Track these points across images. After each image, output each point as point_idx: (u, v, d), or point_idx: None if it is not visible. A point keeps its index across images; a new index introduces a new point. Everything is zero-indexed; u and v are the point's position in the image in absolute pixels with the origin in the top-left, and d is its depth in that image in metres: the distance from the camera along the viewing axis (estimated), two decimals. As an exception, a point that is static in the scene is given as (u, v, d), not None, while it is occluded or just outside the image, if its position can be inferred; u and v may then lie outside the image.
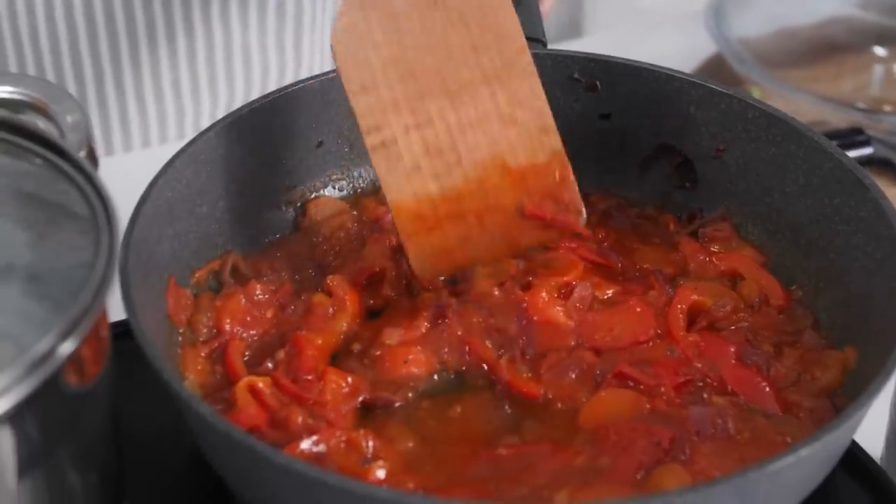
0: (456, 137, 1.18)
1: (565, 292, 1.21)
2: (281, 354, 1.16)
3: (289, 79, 1.78)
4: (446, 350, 1.16)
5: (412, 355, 1.16)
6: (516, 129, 1.19)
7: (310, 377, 1.13)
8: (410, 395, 1.15)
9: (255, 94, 1.76)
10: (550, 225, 1.20)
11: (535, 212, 1.20)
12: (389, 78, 1.17)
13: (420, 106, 1.18)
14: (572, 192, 1.20)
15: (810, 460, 0.99)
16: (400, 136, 1.18)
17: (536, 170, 1.20)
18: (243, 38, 1.71)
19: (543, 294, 1.20)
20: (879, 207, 1.16)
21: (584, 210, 1.21)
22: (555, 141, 1.20)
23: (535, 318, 1.19)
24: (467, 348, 1.17)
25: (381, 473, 1.06)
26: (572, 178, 1.20)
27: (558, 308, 1.19)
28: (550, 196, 1.20)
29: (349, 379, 1.14)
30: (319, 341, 1.17)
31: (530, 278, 1.22)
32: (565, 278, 1.22)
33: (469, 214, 1.19)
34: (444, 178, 1.19)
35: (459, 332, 1.17)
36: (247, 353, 1.18)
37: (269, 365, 1.15)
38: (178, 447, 1.19)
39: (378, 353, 1.16)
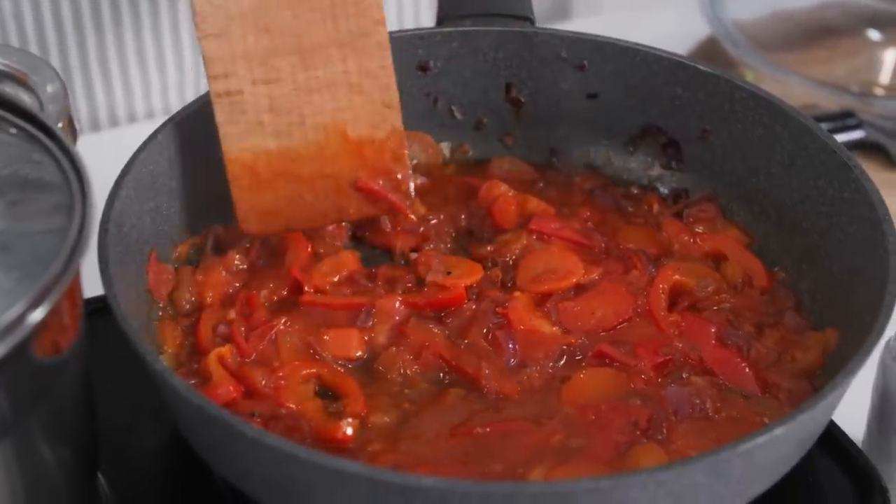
0: (302, 98, 1.19)
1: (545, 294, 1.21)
2: (232, 314, 1.16)
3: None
4: (414, 361, 1.16)
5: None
6: (361, 98, 1.20)
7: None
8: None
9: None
10: (378, 200, 1.22)
11: (367, 185, 1.21)
12: (245, 27, 1.17)
13: (271, 60, 1.18)
14: (404, 171, 1.22)
15: (785, 440, 0.99)
16: (247, 88, 1.18)
17: (374, 143, 1.21)
18: None
19: (523, 303, 1.19)
20: (862, 189, 1.15)
21: (412, 191, 1.23)
22: (396, 118, 1.22)
23: (520, 328, 1.17)
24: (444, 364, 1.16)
25: (349, 430, 1.07)
26: (407, 157, 1.22)
27: (539, 317, 1.18)
28: (384, 171, 1.22)
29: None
30: (265, 292, 1.19)
31: (511, 288, 1.22)
32: (565, 283, 1.21)
33: (303, 177, 1.21)
34: (284, 137, 1.20)
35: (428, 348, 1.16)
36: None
37: (222, 328, 1.15)
38: (156, 423, 1.19)
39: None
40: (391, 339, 1.16)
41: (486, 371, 1.13)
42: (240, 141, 1.19)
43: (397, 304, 1.18)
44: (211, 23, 1.17)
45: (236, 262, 1.22)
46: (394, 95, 1.21)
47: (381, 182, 1.22)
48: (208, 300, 1.19)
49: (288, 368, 1.12)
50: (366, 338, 1.16)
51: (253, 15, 1.17)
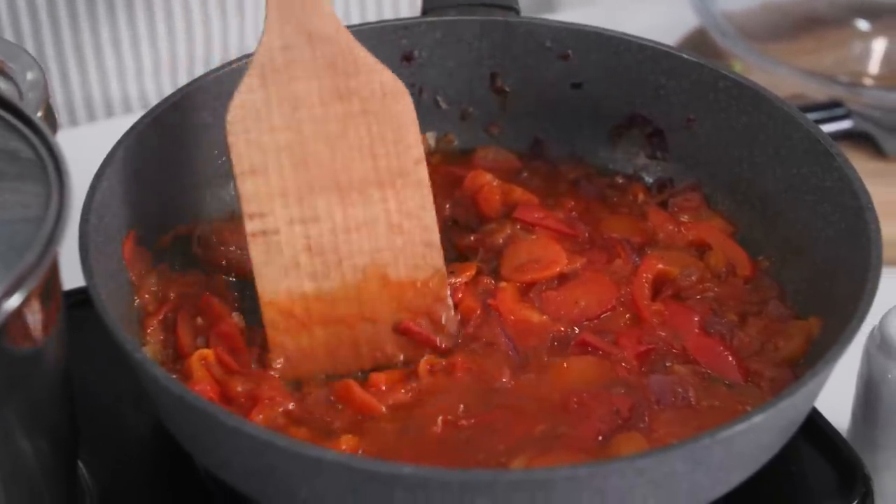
0: (339, 238, 1.14)
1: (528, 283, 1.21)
2: (199, 321, 1.15)
3: (248, 39, 1.76)
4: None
5: None
6: (402, 238, 1.16)
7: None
8: None
9: (216, 53, 1.74)
10: (419, 341, 1.16)
11: (409, 328, 1.16)
12: (281, 164, 1.13)
13: (308, 199, 1.14)
14: (448, 311, 1.17)
15: (765, 428, 0.99)
16: (283, 227, 1.13)
17: (415, 285, 1.16)
18: None
19: (510, 293, 1.19)
20: (845, 177, 1.15)
21: (456, 332, 1.16)
22: (437, 258, 1.17)
23: (510, 318, 1.17)
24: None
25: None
26: (449, 300, 1.17)
27: (527, 306, 1.18)
28: (426, 314, 1.16)
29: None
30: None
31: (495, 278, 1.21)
32: (549, 273, 1.21)
33: (341, 320, 1.15)
34: (321, 279, 1.14)
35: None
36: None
37: (199, 341, 1.14)
38: (139, 415, 1.18)
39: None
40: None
41: (498, 371, 1.13)
42: (276, 283, 1.14)
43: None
44: (246, 161, 1.13)
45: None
46: (434, 235, 1.16)
47: (422, 323, 1.16)
48: (171, 295, 1.18)
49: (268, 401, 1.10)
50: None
51: (289, 150, 1.13)
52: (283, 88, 1.13)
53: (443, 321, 1.17)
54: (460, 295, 1.18)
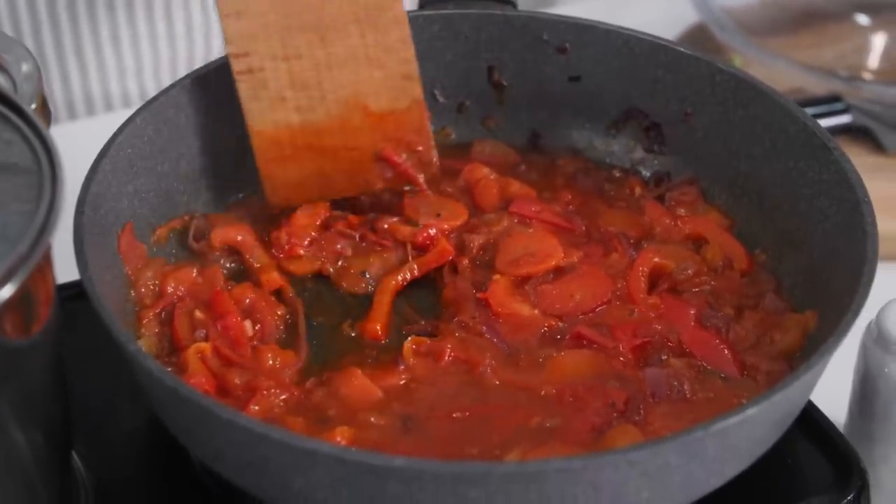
0: (322, 73, 1.20)
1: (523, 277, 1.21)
2: (198, 314, 1.15)
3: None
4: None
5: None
6: (381, 72, 1.21)
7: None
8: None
9: (216, 47, 1.75)
10: (399, 172, 1.23)
11: (389, 156, 1.22)
12: (263, 5, 1.19)
13: (290, 37, 1.19)
14: (427, 142, 1.23)
15: (759, 420, 0.98)
16: (267, 64, 1.19)
17: (396, 115, 1.22)
18: None
19: (503, 286, 1.19)
20: (842, 170, 1.15)
21: (435, 162, 1.24)
22: (416, 89, 1.23)
23: (500, 312, 1.17)
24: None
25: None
26: (429, 127, 1.23)
27: (519, 300, 1.18)
28: (406, 143, 1.23)
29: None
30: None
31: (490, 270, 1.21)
32: (544, 266, 1.20)
33: (327, 150, 1.22)
34: (306, 111, 1.21)
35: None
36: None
37: (201, 333, 1.14)
38: (135, 408, 1.18)
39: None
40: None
41: (488, 362, 1.13)
42: (263, 116, 1.21)
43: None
44: (230, 4, 1.18)
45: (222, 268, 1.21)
46: (413, 67, 1.22)
47: (403, 156, 1.23)
48: (168, 289, 1.17)
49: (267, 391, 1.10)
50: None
51: None
52: None
53: (420, 150, 1.23)
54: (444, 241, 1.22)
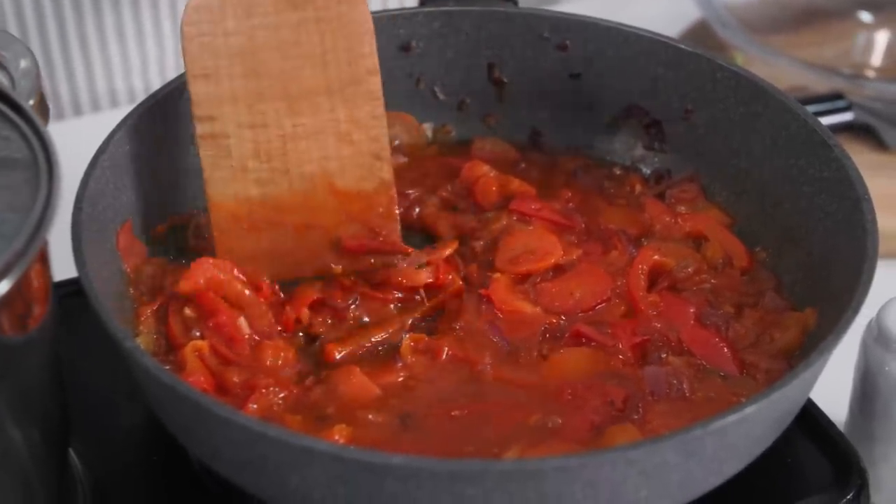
0: (288, 145, 1.16)
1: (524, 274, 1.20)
2: (188, 311, 1.14)
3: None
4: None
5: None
6: (350, 149, 1.17)
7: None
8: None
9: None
10: (368, 254, 1.18)
11: (353, 246, 1.18)
12: (233, 70, 1.15)
13: (258, 105, 1.15)
14: (393, 229, 1.18)
15: (758, 419, 0.98)
16: (232, 131, 1.15)
17: (362, 196, 1.18)
18: None
19: (504, 283, 1.18)
20: (843, 168, 1.15)
21: (401, 249, 1.18)
22: (386, 171, 1.18)
23: (502, 309, 1.17)
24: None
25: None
26: (396, 213, 1.19)
27: (521, 297, 1.18)
28: (370, 226, 1.18)
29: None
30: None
31: (490, 268, 1.21)
32: (544, 264, 1.20)
33: (287, 226, 1.17)
34: (268, 184, 1.16)
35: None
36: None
37: (197, 332, 1.13)
38: (134, 405, 1.18)
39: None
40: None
41: (487, 360, 1.13)
42: (224, 186, 1.16)
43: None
44: (199, 63, 1.14)
45: None
46: (384, 147, 1.18)
47: (367, 237, 1.18)
48: (167, 287, 1.17)
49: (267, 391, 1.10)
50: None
51: (242, 57, 1.14)
52: None
53: (384, 234, 1.19)
54: (439, 271, 1.18)
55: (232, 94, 1.15)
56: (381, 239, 1.18)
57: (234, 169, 1.16)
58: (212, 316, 1.14)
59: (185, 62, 1.14)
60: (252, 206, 1.17)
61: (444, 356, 1.12)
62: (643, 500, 0.97)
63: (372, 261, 1.18)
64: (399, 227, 1.19)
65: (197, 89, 1.15)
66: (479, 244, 1.22)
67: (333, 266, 1.18)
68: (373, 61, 1.16)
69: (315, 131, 1.16)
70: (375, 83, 1.17)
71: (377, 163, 1.18)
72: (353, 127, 1.17)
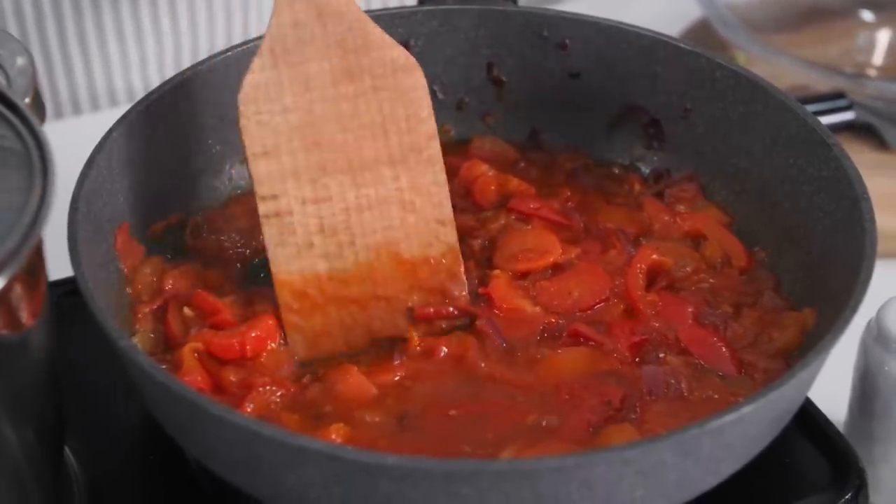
0: (352, 217, 1.14)
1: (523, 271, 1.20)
2: (187, 311, 1.14)
3: (252, 26, 1.75)
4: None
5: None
6: (414, 217, 1.15)
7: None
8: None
9: (219, 43, 1.74)
10: (440, 319, 1.16)
11: (426, 314, 1.16)
12: (293, 145, 1.13)
13: (321, 179, 1.13)
14: (461, 288, 1.17)
15: (755, 419, 0.98)
16: (296, 208, 1.13)
17: (429, 263, 1.16)
18: None
19: (504, 281, 1.18)
20: (841, 167, 1.14)
21: (471, 312, 1.16)
22: (451, 235, 1.17)
23: (502, 307, 1.16)
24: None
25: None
26: (463, 276, 1.17)
27: (521, 295, 1.17)
28: (439, 291, 1.16)
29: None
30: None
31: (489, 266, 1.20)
32: (543, 262, 1.20)
33: (355, 299, 1.15)
34: (334, 259, 1.14)
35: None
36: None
37: (194, 331, 1.13)
38: (130, 406, 1.18)
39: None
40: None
41: (485, 359, 1.12)
42: (289, 264, 1.14)
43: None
44: (259, 143, 1.12)
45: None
46: (447, 212, 1.16)
47: (437, 301, 1.17)
48: (167, 287, 1.17)
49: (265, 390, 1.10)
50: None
51: (301, 131, 1.13)
52: (295, 69, 1.12)
53: (455, 296, 1.17)
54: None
55: (294, 170, 1.13)
56: (451, 304, 1.16)
57: (298, 246, 1.14)
58: (210, 316, 1.14)
59: (243, 140, 1.12)
60: (319, 280, 1.14)
61: (441, 354, 1.12)
62: (639, 500, 0.96)
63: (444, 326, 1.16)
64: (467, 289, 1.18)
65: (258, 168, 1.12)
66: (477, 243, 1.22)
67: (406, 334, 1.15)
68: (431, 126, 1.15)
69: (379, 202, 1.15)
70: (435, 148, 1.16)
71: (441, 228, 1.16)
72: (416, 195, 1.15)
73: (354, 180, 1.14)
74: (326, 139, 1.13)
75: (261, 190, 1.13)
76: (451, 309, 1.16)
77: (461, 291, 1.17)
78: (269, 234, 1.13)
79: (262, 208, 1.13)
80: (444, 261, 1.17)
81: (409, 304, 1.16)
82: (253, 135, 1.12)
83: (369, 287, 1.15)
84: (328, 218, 1.14)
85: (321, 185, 1.14)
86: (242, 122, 1.12)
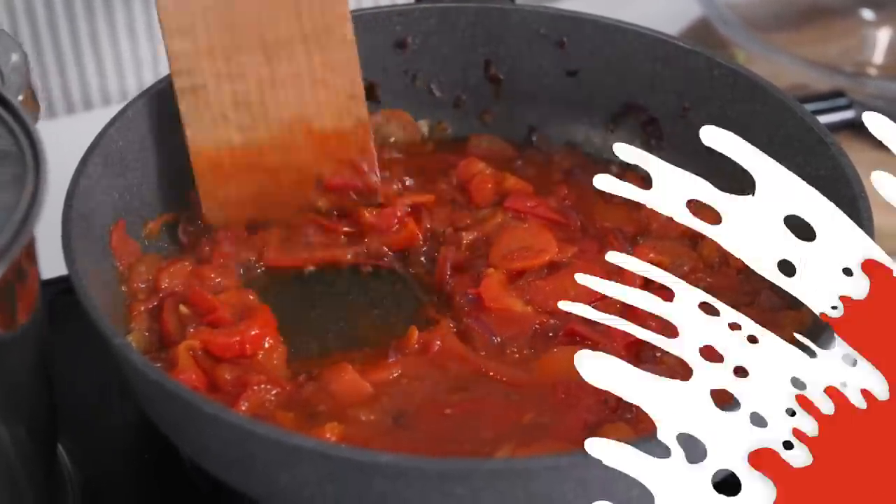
0: (266, 93, 1.19)
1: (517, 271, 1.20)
2: (183, 309, 1.14)
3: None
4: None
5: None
6: (326, 92, 1.20)
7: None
8: None
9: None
10: (347, 189, 1.22)
11: (333, 182, 1.21)
12: (209, 24, 1.17)
13: (235, 56, 1.18)
14: (371, 162, 1.22)
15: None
16: (211, 83, 1.18)
17: (340, 135, 1.21)
18: None
19: (497, 280, 1.18)
20: (839, 166, 1.14)
21: (377, 183, 1.22)
22: (361, 109, 1.21)
23: (491, 307, 1.16)
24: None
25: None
26: (373, 149, 1.22)
27: (512, 295, 1.17)
28: (350, 163, 1.21)
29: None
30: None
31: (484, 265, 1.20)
32: (538, 261, 1.20)
33: (268, 169, 1.21)
34: (248, 131, 1.20)
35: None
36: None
37: (191, 329, 1.13)
38: (124, 405, 1.18)
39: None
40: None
41: (481, 358, 1.12)
42: (204, 135, 1.19)
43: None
44: (175, 21, 1.17)
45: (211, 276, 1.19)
46: (359, 88, 1.21)
47: (347, 173, 1.22)
48: (163, 284, 1.17)
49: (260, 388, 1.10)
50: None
51: (217, 11, 1.17)
52: None
53: (365, 170, 1.22)
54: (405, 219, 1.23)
55: (209, 48, 1.18)
56: (360, 175, 1.22)
57: (213, 118, 1.19)
58: (207, 314, 1.13)
59: (159, 19, 1.16)
60: (233, 151, 1.20)
61: (435, 348, 1.11)
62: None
63: (354, 197, 1.22)
64: (377, 162, 1.23)
65: (174, 45, 1.17)
66: (472, 240, 1.21)
67: (317, 203, 1.22)
68: (344, 7, 1.19)
69: (292, 78, 1.20)
70: (348, 28, 1.20)
71: (352, 102, 1.21)
72: (329, 72, 1.20)
73: (268, 58, 1.19)
74: (241, 18, 1.18)
75: (175, 65, 1.18)
76: (358, 183, 1.21)
77: (372, 163, 1.22)
78: (185, 107, 1.18)
79: (178, 82, 1.18)
80: (354, 133, 1.21)
81: (319, 175, 1.21)
82: (170, 13, 1.17)
83: (282, 158, 1.21)
84: (242, 92, 1.19)
85: (235, 61, 1.18)
86: (160, 2, 1.16)
